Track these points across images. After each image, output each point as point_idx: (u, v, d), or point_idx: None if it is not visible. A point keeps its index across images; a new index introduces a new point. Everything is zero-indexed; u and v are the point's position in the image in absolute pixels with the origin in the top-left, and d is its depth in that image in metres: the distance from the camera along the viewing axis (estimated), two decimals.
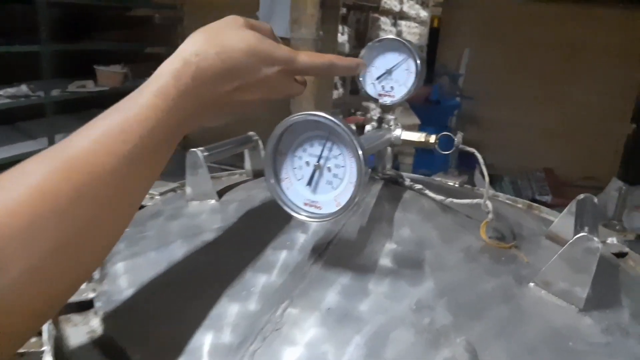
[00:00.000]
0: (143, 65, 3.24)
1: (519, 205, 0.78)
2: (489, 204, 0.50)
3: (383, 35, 0.60)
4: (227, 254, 0.49)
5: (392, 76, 0.57)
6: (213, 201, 0.62)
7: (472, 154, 0.56)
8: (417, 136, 0.56)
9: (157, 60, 0.44)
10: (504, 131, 4.04)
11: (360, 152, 0.39)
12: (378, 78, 0.57)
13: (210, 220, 0.56)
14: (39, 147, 2.70)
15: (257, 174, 0.75)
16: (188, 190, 0.63)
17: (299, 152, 0.43)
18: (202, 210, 0.60)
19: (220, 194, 0.64)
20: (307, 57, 0.47)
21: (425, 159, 3.42)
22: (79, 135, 0.36)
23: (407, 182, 0.58)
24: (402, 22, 6.27)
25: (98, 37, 3.66)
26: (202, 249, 0.50)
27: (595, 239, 0.43)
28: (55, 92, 2.97)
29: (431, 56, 4.45)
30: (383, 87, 0.58)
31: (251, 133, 0.73)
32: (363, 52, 0.57)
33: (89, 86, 3.22)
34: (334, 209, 0.42)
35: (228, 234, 0.52)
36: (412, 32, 6.77)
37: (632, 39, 3.63)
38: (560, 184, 3.85)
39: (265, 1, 3.21)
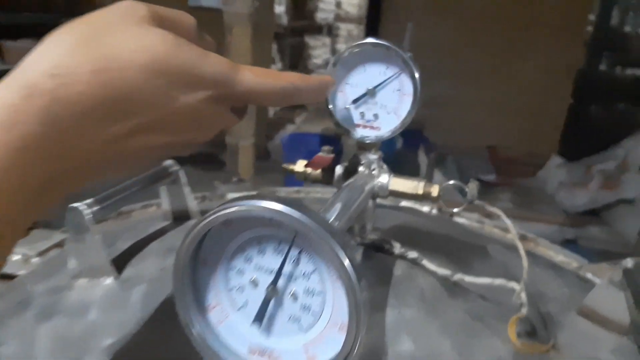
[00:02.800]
0: None
1: (509, 237, 0.64)
2: (524, 295, 0.33)
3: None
4: None
5: (375, 99, 0.38)
6: (109, 280, 0.41)
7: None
8: (412, 186, 0.37)
9: None
10: (446, 108, 3.96)
11: (352, 275, 0.21)
12: (355, 101, 0.38)
13: (101, 326, 0.36)
14: None
15: (179, 215, 0.55)
16: (72, 263, 0.42)
17: (238, 261, 0.24)
18: (90, 300, 0.39)
19: (121, 262, 0.44)
20: (253, 76, 0.27)
21: None
22: None
23: (397, 250, 0.39)
24: None
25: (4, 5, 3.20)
26: None
27: None
28: None
29: (373, 31, 4.27)
30: (362, 115, 0.38)
31: (169, 162, 0.52)
32: (332, 61, 0.37)
33: None
34: None
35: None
36: (352, 2, 6.58)
37: (572, 15, 3.63)
38: (502, 161, 3.83)
39: None
